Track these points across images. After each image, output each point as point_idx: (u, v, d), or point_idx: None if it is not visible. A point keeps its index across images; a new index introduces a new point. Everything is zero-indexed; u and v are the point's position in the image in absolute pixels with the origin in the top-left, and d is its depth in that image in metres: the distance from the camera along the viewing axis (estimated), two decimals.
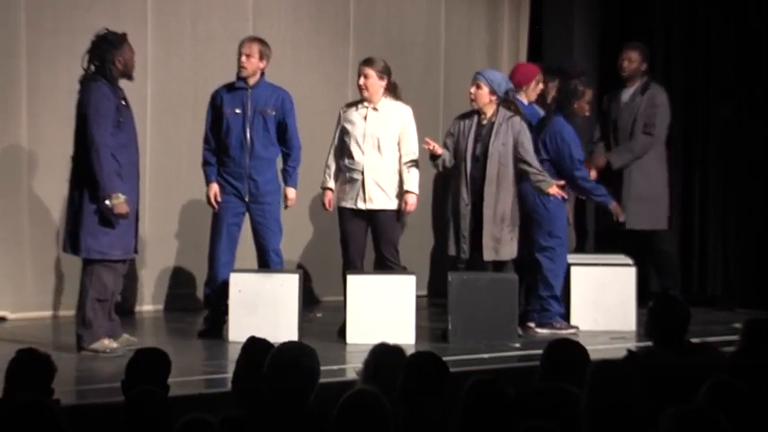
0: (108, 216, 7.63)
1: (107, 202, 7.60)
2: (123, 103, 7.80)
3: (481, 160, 8.57)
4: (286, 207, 8.61)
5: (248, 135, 8.48)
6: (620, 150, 9.84)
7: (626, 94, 9.94)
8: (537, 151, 8.75)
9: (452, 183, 8.72)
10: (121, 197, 7.61)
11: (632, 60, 9.88)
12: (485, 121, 8.62)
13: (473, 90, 8.64)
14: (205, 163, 8.60)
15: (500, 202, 8.55)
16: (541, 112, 9.31)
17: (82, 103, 7.73)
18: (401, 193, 8.58)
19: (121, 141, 7.74)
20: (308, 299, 9.64)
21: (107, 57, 7.73)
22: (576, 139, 8.91)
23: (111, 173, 7.62)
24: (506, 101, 8.65)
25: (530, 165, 8.54)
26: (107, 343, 7.73)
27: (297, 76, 9.89)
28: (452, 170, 8.70)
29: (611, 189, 9.76)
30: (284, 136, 8.56)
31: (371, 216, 8.58)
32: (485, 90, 8.59)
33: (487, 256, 8.57)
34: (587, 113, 9.26)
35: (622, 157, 9.81)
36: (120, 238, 7.72)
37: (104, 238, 7.67)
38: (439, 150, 8.52)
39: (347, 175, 8.61)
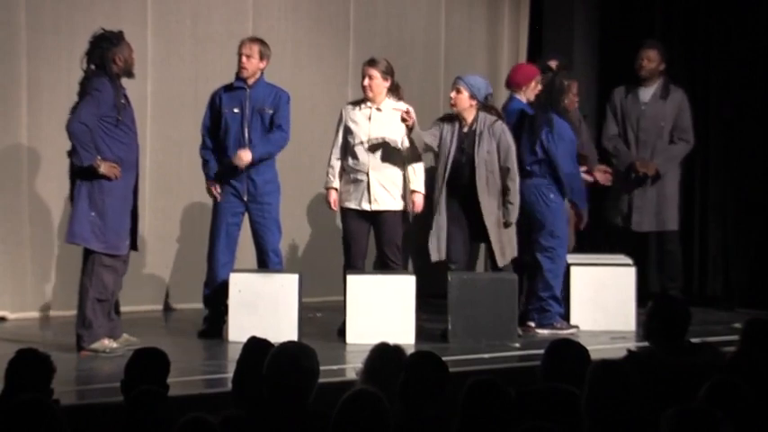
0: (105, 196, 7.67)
1: (100, 169, 7.63)
2: (124, 101, 7.81)
3: (467, 170, 8.55)
4: (269, 203, 8.50)
5: (246, 134, 8.47)
6: (666, 159, 9.79)
7: (645, 94, 9.89)
8: (532, 152, 8.75)
9: (437, 189, 8.70)
10: (102, 162, 7.65)
11: (651, 60, 9.84)
12: (466, 129, 8.60)
13: (453, 95, 8.63)
14: (204, 163, 8.59)
15: (496, 208, 8.56)
16: None
17: (82, 93, 7.76)
18: (406, 194, 8.59)
19: (121, 139, 7.75)
20: (312, 299, 9.65)
21: (107, 55, 7.75)
22: (573, 139, 8.91)
23: (89, 142, 7.64)
24: (486, 106, 8.64)
25: (510, 184, 8.54)
26: (107, 343, 7.73)
27: (297, 76, 9.90)
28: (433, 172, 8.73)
29: (624, 191, 9.79)
30: (273, 125, 8.48)
31: (375, 216, 8.59)
32: (464, 95, 8.59)
33: (500, 262, 8.58)
34: (576, 104, 9.30)
35: (668, 166, 9.80)
36: (104, 231, 7.70)
37: (88, 226, 7.69)
38: (411, 122, 8.44)
39: (351, 175, 8.61)
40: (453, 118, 8.68)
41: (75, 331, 7.82)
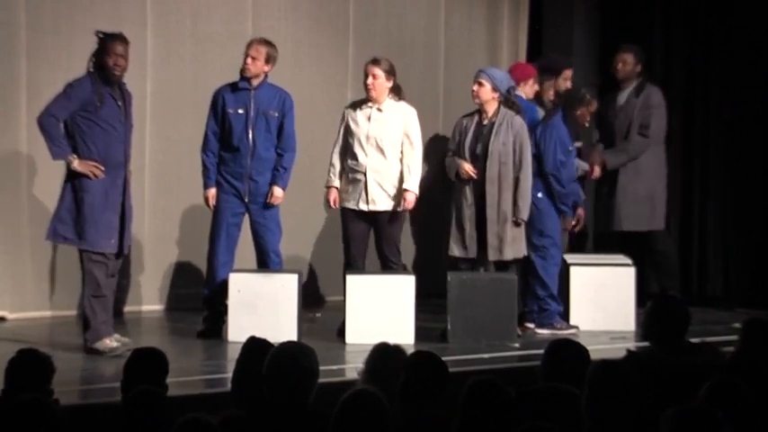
0: (85, 192, 7.69)
1: (72, 165, 7.68)
2: (112, 101, 7.78)
3: (481, 159, 8.57)
4: (269, 204, 8.53)
5: (250, 135, 8.47)
6: (616, 151, 9.89)
7: (621, 97, 9.99)
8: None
9: (455, 182, 8.71)
10: (76, 159, 7.70)
11: (626, 63, 9.93)
12: (485, 121, 8.62)
13: (475, 88, 8.64)
14: (204, 169, 8.58)
15: (502, 201, 8.54)
16: (539, 110, 9.34)
17: None
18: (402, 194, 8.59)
19: (102, 137, 7.73)
20: (312, 299, 9.65)
21: (91, 57, 7.82)
22: (564, 142, 8.88)
23: (59, 137, 7.70)
24: (507, 100, 8.65)
25: (521, 178, 8.52)
26: (108, 342, 7.71)
27: (297, 76, 9.89)
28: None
29: (608, 190, 9.83)
30: (280, 136, 8.54)
31: (374, 217, 8.58)
32: (487, 87, 8.60)
33: (492, 255, 8.57)
34: (586, 124, 9.29)
35: (617, 158, 9.86)
36: (83, 227, 7.70)
37: (71, 224, 7.72)
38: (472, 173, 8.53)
39: (350, 175, 8.61)
40: (473, 113, 8.69)
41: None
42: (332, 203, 8.70)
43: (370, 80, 8.56)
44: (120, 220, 7.84)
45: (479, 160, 8.58)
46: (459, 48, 10.96)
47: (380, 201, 8.56)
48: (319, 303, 10.00)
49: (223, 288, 8.35)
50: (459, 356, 7.61)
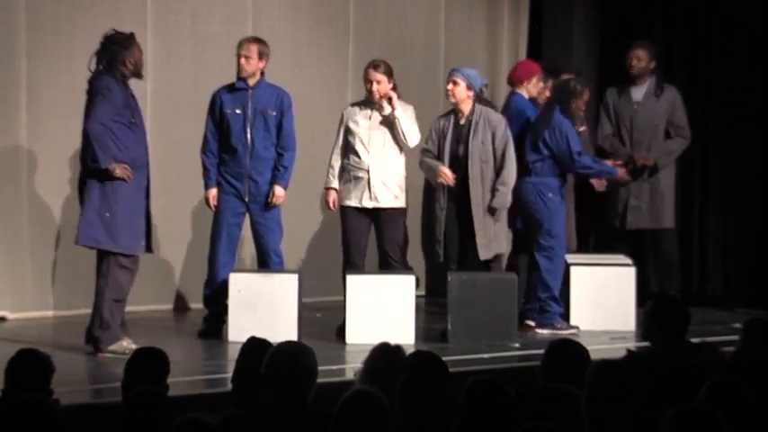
0: (117, 194, 7.66)
1: (115, 172, 7.62)
2: (133, 102, 7.81)
3: (462, 160, 8.55)
4: (271, 204, 8.54)
5: (249, 135, 8.48)
6: (664, 153, 9.83)
7: (637, 93, 9.93)
8: (535, 150, 8.77)
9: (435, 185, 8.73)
10: (116, 165, 7.65)
11: (641, 59, 9.88)
12: (462, 120, 8.60)
13: (450, 87, 8.61)
14: (204, 170, 8.58)
15: (487, 200, 8.54)
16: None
17: (91, 93, 7.73)
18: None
19: (132, 140, 7.75)
20: (311, 299, 9.65)
21: (117, 58, 7.74)
22: (573, 133, 8.91)
23: (109, 144, 7.63)
24: (481, 98, 8.64)
25: (505, 165, 8.51)
26: (126, 344, 7.68)
27: (297, 76, 9.89)
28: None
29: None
30: (279, 135, 8.54)
31: (376, 215, 8.59)
32: (462, 86, 8.58)
33: (483, 255, 8.57)
34: (581, 113, 9.31)
35: (666, 160, 9.84)
36: (118, 231, 7.69)
37: (102, 228, 7.68)
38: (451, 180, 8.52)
39: (351, 173, 8.61)
40: (449, 113, 8.68)
41: (90, 333, 7.78)
42: (331, 205, 8.71)
43: (375, 86, 8.55)
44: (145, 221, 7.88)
45: (461, 160, 8.56)
46: (459, 48, 10.96)
47: (383, 198, 8.57)
48: (319, 303, 9.99)
49: (223, 288, 8.35)
50: (459, 356, 7.61)
